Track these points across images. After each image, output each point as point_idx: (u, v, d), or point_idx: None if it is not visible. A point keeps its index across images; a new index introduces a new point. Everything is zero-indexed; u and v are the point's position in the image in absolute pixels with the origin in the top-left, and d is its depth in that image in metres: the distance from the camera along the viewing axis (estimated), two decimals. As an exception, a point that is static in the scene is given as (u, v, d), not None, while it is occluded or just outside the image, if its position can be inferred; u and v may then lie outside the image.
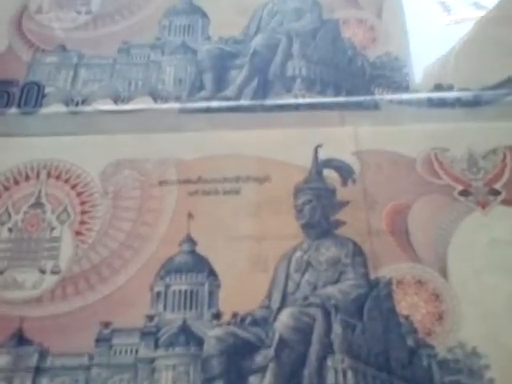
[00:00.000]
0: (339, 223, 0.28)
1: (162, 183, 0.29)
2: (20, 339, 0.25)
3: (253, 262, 0.27)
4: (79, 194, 0.29)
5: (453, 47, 0.34)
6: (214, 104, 0.31)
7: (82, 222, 0.28)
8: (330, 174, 0.29)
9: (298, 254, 0.27)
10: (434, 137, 0.31)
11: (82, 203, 0.29)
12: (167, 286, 0.27)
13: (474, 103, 0.31)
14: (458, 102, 0.31)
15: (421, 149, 0.30)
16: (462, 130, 0.31)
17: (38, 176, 0.30)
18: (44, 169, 0.30)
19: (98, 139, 0.31)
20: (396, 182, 0.29)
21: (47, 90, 0.32)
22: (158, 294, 0.26)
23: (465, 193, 0.29)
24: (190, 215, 0.28)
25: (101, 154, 0.31)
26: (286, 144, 0.31)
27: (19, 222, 0.28)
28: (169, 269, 0.27)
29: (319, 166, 0.30)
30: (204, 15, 0.36)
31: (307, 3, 0.35)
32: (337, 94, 0.31)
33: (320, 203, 0.28)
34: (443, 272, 0.26)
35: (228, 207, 0.29)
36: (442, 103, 0.32)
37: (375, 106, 0.31)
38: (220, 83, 0.32)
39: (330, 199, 0.28)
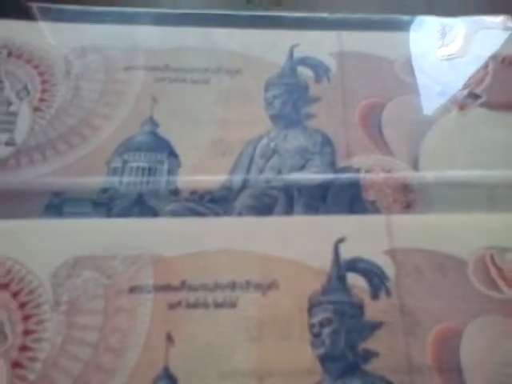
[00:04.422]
0: (371, 354, 0.21)
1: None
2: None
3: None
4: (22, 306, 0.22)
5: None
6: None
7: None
8: (357, 282, 0.23)
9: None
10: (489, 231, 0.24)
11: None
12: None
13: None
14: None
15: (473, 248, 0.24)
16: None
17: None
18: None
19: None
20: (443, 295, 0.23)
21: None
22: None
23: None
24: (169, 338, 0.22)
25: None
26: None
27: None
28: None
29: (341, 269, 0.23)
30: (172, 154, 0.26)
31: (315, 141, 0.26)
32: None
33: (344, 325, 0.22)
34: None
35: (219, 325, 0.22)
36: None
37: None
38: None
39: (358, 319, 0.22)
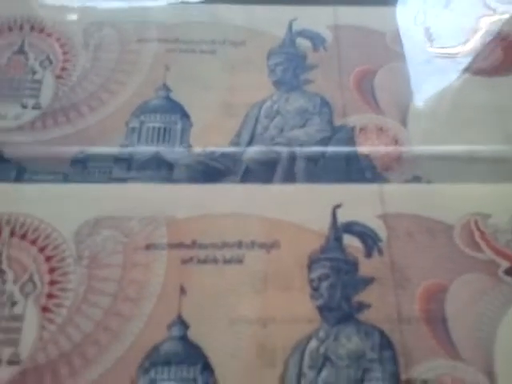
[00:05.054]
0: (364, 306, 0.24)
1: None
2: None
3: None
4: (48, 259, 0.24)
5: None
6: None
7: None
8: (352, 243, 0.25)
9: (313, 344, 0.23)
10: (474, 199, 0.27)
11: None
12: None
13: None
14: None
15: (459, 214, 0.26)
16: (507, 191, 0.27)
17: None
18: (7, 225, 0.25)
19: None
20: (430, 255, 0.25)
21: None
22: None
23: (512, 271, 0.25)
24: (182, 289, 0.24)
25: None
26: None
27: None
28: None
29: (338, 231, 0.25)
30: (184, 115, 0.28)
31: (315, 103, 0.29)
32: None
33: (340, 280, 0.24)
34: (490, 376, 0.22)
35: (227, 279, 0.24)
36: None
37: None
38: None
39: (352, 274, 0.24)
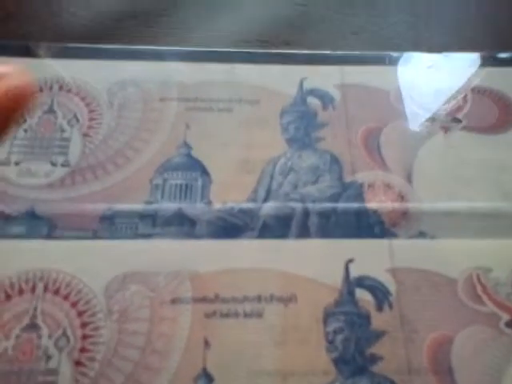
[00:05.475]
0: (377, 358, 0.25)
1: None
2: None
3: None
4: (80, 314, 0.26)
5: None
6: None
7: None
8: (364, 297, 0.27)
9: None
10: (476, 254, 0.28)
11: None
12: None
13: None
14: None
15: (462, 268, 0.28)
16: (506, 246, 0.29)
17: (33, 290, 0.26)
18: (40, 281, 0.26)
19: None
20: (436, 308, 0.27)
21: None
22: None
23: (512, 324, 0.27)
24: (206, 343, 0.25)
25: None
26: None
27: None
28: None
29: (350, 285, 0.27)
30: (204, 172, 0.30)
31: (325, 160, 0.31)
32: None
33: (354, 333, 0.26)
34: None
35: (248, 332, 0.26)
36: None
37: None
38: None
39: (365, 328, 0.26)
